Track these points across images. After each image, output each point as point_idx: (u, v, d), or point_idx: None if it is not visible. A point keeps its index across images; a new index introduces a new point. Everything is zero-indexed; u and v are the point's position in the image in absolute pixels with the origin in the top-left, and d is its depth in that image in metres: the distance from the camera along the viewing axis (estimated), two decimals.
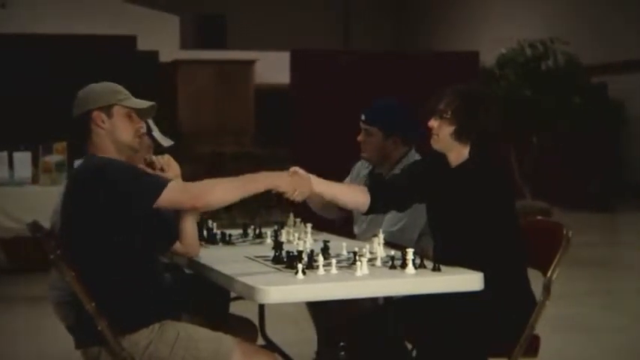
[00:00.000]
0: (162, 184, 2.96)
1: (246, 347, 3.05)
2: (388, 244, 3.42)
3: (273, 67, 14.97)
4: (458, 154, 3.35)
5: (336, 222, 4.21)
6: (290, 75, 9.80)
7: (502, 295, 3.19)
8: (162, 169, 3.21)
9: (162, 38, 14.72)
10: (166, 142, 3.79)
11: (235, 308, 3.91)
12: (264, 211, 9.67)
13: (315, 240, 3.59)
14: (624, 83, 14.51)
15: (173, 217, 3.13)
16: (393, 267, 3.08)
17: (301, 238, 3.55)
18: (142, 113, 3.19)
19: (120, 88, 3.17)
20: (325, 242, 3.30)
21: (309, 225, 3.75)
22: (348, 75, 9.58)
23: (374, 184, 3.62)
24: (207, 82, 14.69)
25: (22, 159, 7.91)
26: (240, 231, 4.04)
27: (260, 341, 3.95)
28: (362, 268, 2.98)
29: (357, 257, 3.02)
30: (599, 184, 13.77)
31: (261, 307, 4.04)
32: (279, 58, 13.01)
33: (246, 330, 3.68)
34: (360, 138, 4.04)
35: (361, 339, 3.47)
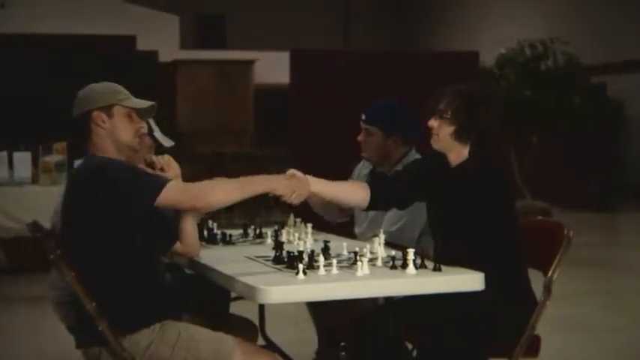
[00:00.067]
0: (161, 183, 2.96)
1: (247, 347, 3.05)
2: (389, 244, 3.42)
3: (272, 67, 14.98)
4: (458, 153, 3.35)
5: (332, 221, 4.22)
6: (290, 75, 9.79)
7: (502, 295, 3.19)
8: (162, 169, 3.21)
9: (161, 38, 14.72)
10: (167, 142, 3.79)
11: (235, 308, 3.91)
12: (264, 212, 9.67)
13: (315, 240, 3.59)
14: (624, 83, 14.51)
15: (173, 217, 3.13)
16: (393, 267, 3.07)
17: (302, 238, 3.55)
18: (142, 113, 3.19)
19: (120, 88, 3.17)
20: (326, 242, 3.30)
21: (309, 225, 3.75)
22: (348, 75, 9.58)
23: (374, 180, 3.62)
24: (206, 82, 14.69)
25: (22, 159, 7.91)
26: (241, 231, 4.04)
27: (260, 341, 3.95)
28: (363, 268, 2.97)
29: (358, 257, 3.02)
30: (599, 184, 13.78)
31: (261, 307, 4.04)
32: (279, 58, 13.01)
33: (247, 330, 3.67)
34: (360, 138, 4.05)
35: (361, 339, 3.46)
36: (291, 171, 3.30)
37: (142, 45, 11.89)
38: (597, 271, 8.58)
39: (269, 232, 3.89)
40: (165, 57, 13.85)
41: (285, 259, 3.13)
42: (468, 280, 3.01)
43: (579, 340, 5.63)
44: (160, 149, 3.69)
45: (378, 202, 3.50)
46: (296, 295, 2.91)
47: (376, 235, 3.36)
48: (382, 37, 20.68)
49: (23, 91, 10.63)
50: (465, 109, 3.30)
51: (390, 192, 3.49)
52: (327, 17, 20.20)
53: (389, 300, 3.46)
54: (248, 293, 2.87)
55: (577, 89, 11.19)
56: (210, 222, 3.92)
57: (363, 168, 4.20)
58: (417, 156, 3.93)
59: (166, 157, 3.27)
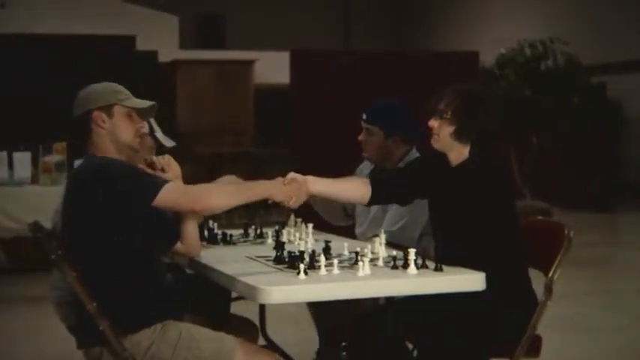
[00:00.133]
0: (159, 184, 2.96)
1: (248, 347, 3.05)
2: (390, 244, 3.42)
3: (272, 67, 14.98)
4: (458, 153, 3.35)
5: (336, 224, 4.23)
6: (290, 75, 9.79)
7: (503, 295, 3.19)
8: (162, 170, 3.21)
9: (161, 38, 14.72)
10: (169, 142, 3.79)
11: (236, 308, 3.91)
12: (264, 212, 9.67)
13: (316, 240, 3.59)
14: (624, 83, 14.52)
15: (174, 218, 3.13)
16: (394, 267, 3.07)
17: (302, 238, 3.56)
18: (142, 113, 3.18)
19: (120, 88, 3.17)
20: (327, 242, 3.30)
21: (310, 225, 3.75)
22: (348, 75, 9.58)
23: (376, 175, 3.62)
24: (206, 82, 14.70)
25: (22, 159, 7.91)
26: (241, 231, 4.04)
27: (261, 341, 3.95)
28: (364, 268, 2.97)
29: (359, 257, 3.02)
30: (599, 184, 13.78)
31: (262, 307, 4.04)
32: (279, 58, 13.01)
33: (247, 330, 3.67)
34: (361, 137, 4.05)
35: (362, 339, 3.46)
36: (291, 175, 3.31)
37: (141, 45, 11.89)
38: (597, 271, 8.58)
39: (270, 232, 3.89)
40: (164, 57, 13.85)
41: (286, 259, 3.14)
42: (469, 280, 3.01)
43: (579, 340, 5.63)
44: (160, 149, 3.69)
45: (379, 197, 3.50)
46: (297, 295, 2.91)
47: (377, 235, 3.36)
48: (382, 37, 20.68)
49: (23, 91, 10.64)
50: (465, 109, 3.30)
51: (392, 187, 3.49)
52: (327, 17, 20.20)
53: (390, 300, 3.46)
54: (249, 293, 2.87)
55: (577, 89, 11.19)
56: (210, 222, 3.92)
57: (364, 169, 4.20)
58: (418, 155, 3.94)
59: (167, 157, 3.27)
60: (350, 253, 3.28)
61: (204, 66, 14.89)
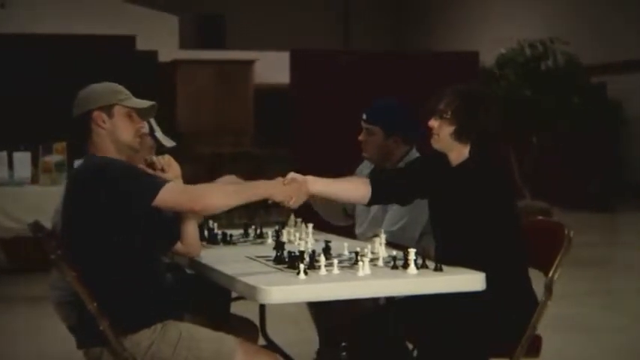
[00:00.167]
0: (159, 184, 2.96)
1: (248, 347, 3.05)
2: (390, 244, 3.42)
3: (272, 67, 14.98)
4: (458, 153, 3.35)
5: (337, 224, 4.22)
6: (290, 75, 9.79)
7: (503, 295, 3.19)
8: (162, 170, 3.21)
9: (161, 38, 14.72)
10: (169, 142, 3.79)
11: (236, 308, 3.91)
12: (263, 212, 9.67)
13: (316, 240, 3.59)
14: (624, 83, 14.51)
15: (174, 218, 3.13)
16: (395, 267, 3.07)
17: (302, 238, 3.56)
18: (142, 113, 3.18)
19: (121, 88, 3.17)
20: (327, 242, 3.30)
21: (310, 225, 3.75)
22: (348, 75, 9.58)
23: (376, 175, 3.62)
24: (206, 82, 14.69)
25: (22, 159, 7.91)
26: (241, 231, 4.04)
27: (261, 341, 3.95)
28: (364, 268, 2.97)
29: (359, 257, 3.02)
30: (599, 184, 13.78)
31: (262, 307, 4.04)
32: (279, 58, 13.01)
33: (247, 330, 3.67)
34: (361, 137, 4.05)
35: (362, 339, 3.47)
36: (291, 175, 3.31)
37: (141, 45, 11.89)
38: (597, 271, 8.58)
39: (270, 232, 3.89)
40: (164, 57, 13.85)
41: (286, 259, 3.13)
42: (470, 280, 3.01)
43: (579, 340, 5.63)
44: (160, 149, 3.69)
45: (379, 197, 3.50)
46: (297, 295, 2.91)
47: (377, 235, 3.36)
48: (382, 37, 20.68)
49: (23, 91, 10.64)
50: (465, 109, 3.30)
51: (392, 187, 3.49)
52: (327, 17, 20.19)
53: (390, 300, 3.46)
54: (249, 293, 2.87)
55: (577, 89, 11.19)
56: (210, 222, 3.92)
57: (365, 168, 4.20)
58: (418, 155, 3.94)
59: (167, 157, 3.27)
60: (350, 253, 3.28)
61: (204, 66, 14.88)
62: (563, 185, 13.46)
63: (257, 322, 3.98)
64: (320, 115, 9.38)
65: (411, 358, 3.58)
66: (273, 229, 3.88)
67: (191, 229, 3.19)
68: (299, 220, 3.94)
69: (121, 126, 3.10)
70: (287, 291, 2.84)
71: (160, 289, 3.07)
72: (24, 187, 7.84)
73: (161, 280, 3.11)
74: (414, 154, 4.00)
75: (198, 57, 15.45)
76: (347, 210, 4.22)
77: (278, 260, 3.18)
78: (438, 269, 3.04)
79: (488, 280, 3.00)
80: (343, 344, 3.36)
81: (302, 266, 2.93)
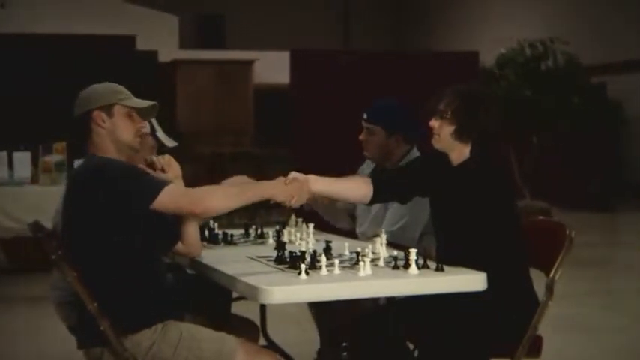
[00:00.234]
0: (160, 186, 2.96)
1: (249, 347, 3.05)
2: (391, 244, 3.42)
3: (272, 67, 14.97)
4: (459, 153, 3.35)
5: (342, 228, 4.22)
6: (290, 75, 9.80)
7: (504, 295, 3.19)
8: (163, 170, 3.21)
9: (161, 38, 14.72)
10: (170, 142, 3.79)
11: (236, 308, 3.91)
12: (264, 212, 9.67)
13: (317, 240, 3.59)
14: (624, 83, 14.51)
15: (175, 218, 3.12)
16: (396, 267, 3.07)
17: (303, 238, 3.55)
18: (143, 113, 3.18)
19: (121, 88, 3.17)
20: (328, 242, 3.30)
21: (311, 225, 3.74)
22: (348, 75, 9.59)
23: (377, 174, 3.62)
24: (206, 82, 14.69)
25: (22, 159, 7.91)
26: (242, 231, 4.04)
27: (261, 341, 3.95)
28: (365, 268, 2.97)
29: (360, 257, 3.02)
30: (599, 184, 13.78)
31: (263, 307, 4.04)
32: (279, 58, 13.01)
33: (248, 330, 3.67)
34: (362, 137, 4.05)
35: (363, 339, 3.46)
36: (292, 175, 3.30)
37: (141, 45, 11.89)
38: (597, 271, 8.57)
39: (270, 232, 3.89)
40: (164, 57, 13.85)
41: (287, 259, 3.13)
42: (471, 280, 3.01)
43: (579, 340, 5.63)
44: (161, 149, 3.69)
45: (381, 195, 3.50)
46: (298, 295, 2.91)
47: (378, 235, 3.36)
48: (382, 37, 20.68)
49: (23, 91, 10.64)
50: (465, 109, 3.30)
51: (393, 186, 3.49)
52: (327, 17, 20.19)
53: (391, 300, 3.46)
54: (250, 293, 2.86)
55: (577, 89, 11.19)
56: (211, 222, 3.92)
57: (367, 168, 4.20)
58: (419, 154, 3.94)
59: (167, 157, 3.26)
60: (351, 253, 3.28)
61: (204, 66, 14.88)
62: (563, 185, 13.46)
63: (258, 322, 3.97)
64: (320, 115, 9.39)
65: (412, 358, 3.57)
66: (273, 229, 3.88)
67: (192, 230, 3.19)
68: (300, 220, 3.94)
69: (120, 126, 3.09)
70: (288, 291, 2.83)
71: (161, 289, 3.06)
72: (24, 187, 7.84)
73: (162, 280, 3.11)
74: (415, 153, 4.00)
75: (198, 57, 15.45)
76: (349, 211, 4.22)
77: (279, 260, 3.18)
78: (438, 269, 3.03)
79: (489, 280, 3.00)
80: (344, 344, 3.35)
81: (303, 266, 2.93)
